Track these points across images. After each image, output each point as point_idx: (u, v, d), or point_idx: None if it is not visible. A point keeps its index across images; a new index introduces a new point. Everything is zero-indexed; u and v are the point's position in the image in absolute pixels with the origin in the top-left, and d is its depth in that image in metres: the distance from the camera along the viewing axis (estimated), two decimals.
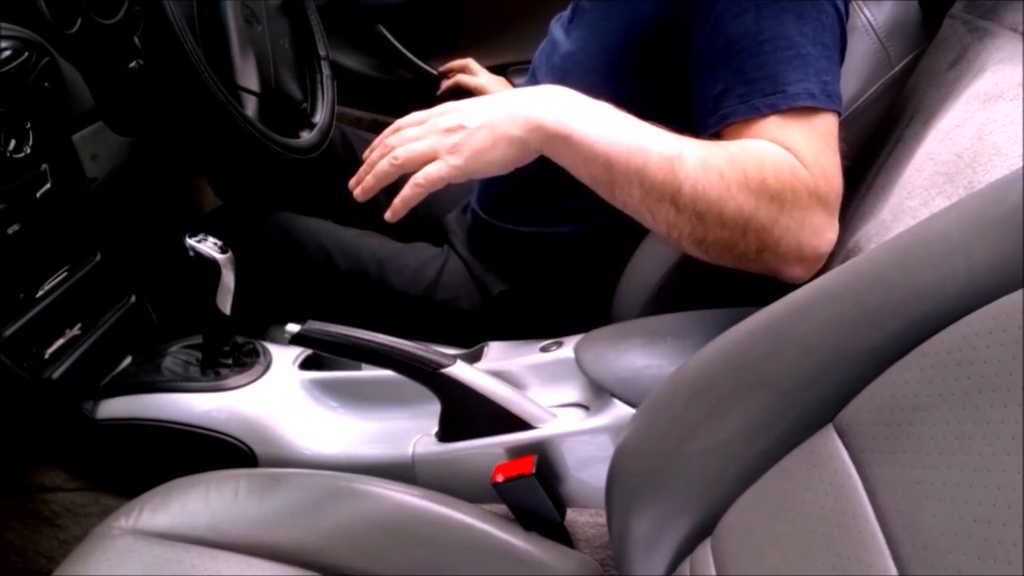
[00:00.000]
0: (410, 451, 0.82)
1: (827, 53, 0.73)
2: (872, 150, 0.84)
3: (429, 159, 0.74)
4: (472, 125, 0.74)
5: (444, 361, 0.77)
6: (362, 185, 0.78)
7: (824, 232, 0.70)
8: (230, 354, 0.92)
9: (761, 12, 0.73)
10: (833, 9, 0.74)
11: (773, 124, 0.71)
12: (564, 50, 0.93)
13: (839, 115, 0.74)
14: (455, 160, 0.73)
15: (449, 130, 0.74)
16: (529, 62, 1.05)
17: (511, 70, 1.47)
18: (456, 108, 0.76)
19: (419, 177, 0.74)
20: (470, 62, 1.43)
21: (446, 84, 1.44)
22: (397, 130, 0.79)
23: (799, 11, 0.73)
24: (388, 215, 0.77)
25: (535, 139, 0.72)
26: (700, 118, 0.77)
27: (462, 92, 1.43)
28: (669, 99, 0.83)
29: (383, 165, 0.76)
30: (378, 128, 1.52)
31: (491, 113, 0.74)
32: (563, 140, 0.71)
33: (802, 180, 0.69)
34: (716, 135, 0.76)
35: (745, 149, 0.70)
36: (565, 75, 0.92)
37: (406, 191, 0.74)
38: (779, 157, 0.70)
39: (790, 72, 0.71)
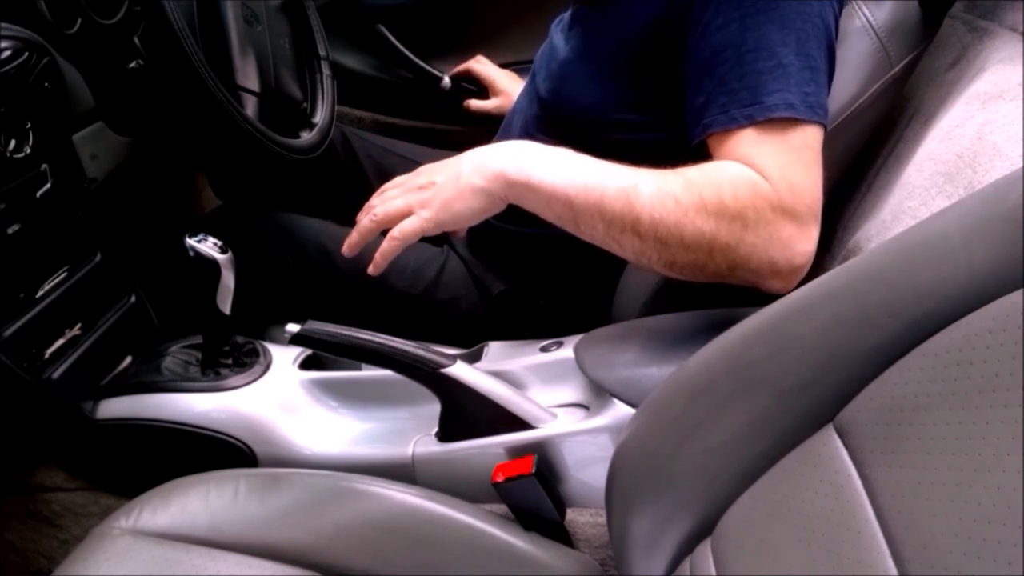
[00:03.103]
0: (410, 451, 0.82)
1: (811, 64, 0.73)
2: (872, 150, 0.84)
3: (405, 215, 0.80)
4: (440, 180, 0.79)
5: (444, 361, 0.77)
6: (348, 241, 0.84)
7: (795, 244, 0.71)
8: (230, 354, 0.92)
9: (745, 23, 0.73)
10: (820, 20, 0.74)
11: (748, 136, 0.72)
12: (562, 57, 0.93)
13: (824, 127, 0.74)
14: (427, 213, 0.78)
15: (422, 187, 0.80)
16: (530, 62, 1.05)
17: (512, 70, 1.47)
18: (429, 168, 0.82)
19: (395, 231, 0.80)
20: (480, 58, 1.43)
21: (456, 70, 1.44)
22: (382, 193, 0.85)
23: (783, 21, 0.73)
24: (371, 270, 0.82)
25: (498, 188, 0.76)
26: (688, 128, 0.78)
27: (469, 92, 1.43)
28: (663, 108, 0.84)
29: (365, 222, 0.82)
30: (378, 128, 1.53)
31: (457, 168, 0.79)
32: (523, 185, 0.75)
33: (763, 196, 0.70)
34: (702, 144, 0.76)
35: (703, 172, 0.72)
36: (562, 82, 0.92)
37: (384, 245, 0.80)
38: (738, 176, 0.71)
39: (770, 83, 0.72)
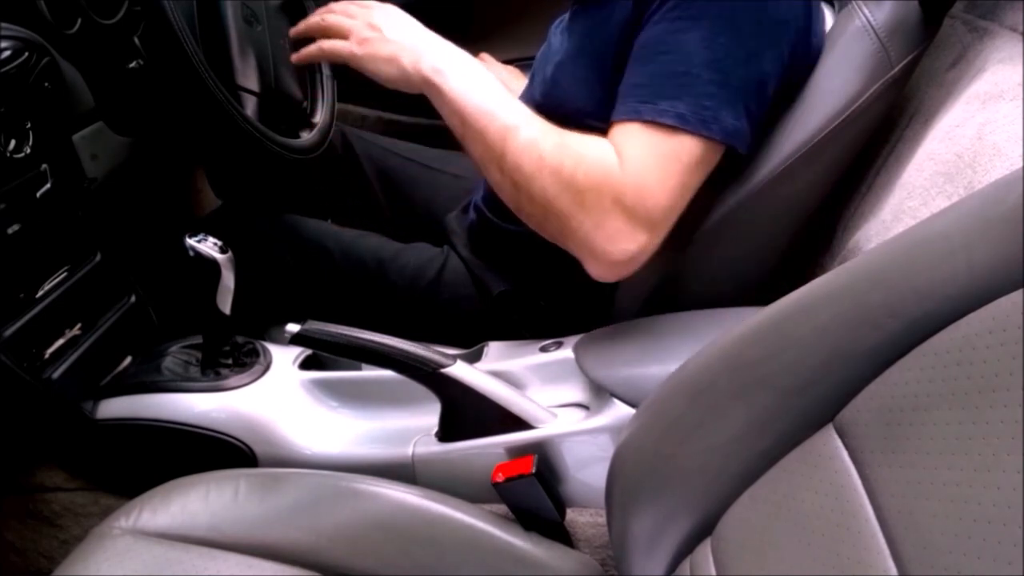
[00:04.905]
0: (410, 451, 0.82)
1: (726, 81, 0.74)
2: (872, 150, 0.84)
3: (344, 36, 0.88)
4: (387, 36, 0.86)
5: (444, 361, 0.77)
6: (295, 28, 0.97)
7: (620, 240, 0.74)
8: (230, 354, 0.92)
9: (673, 25, 0.75)
10: (770, 45, 0.75)
11: (631, 129, 0.75)
12: (555, 59, 0.94)
13: (722, 145, 0.75)
14: (357, 50, 0.87)
15: (372, 26, 0.87)
16: (530, 58, 1.06)
17: (515, 66, 1.47)
18: (390, 14, 0.89)
19: (325, 43, 0.90)
20: (484, 56, 1.43)
21: None
22: (348, 6, 0.92)
23: (714, 34, 0.74)
24: (294, 57, 0.95)
25: (416, 79, 0.84)
26: None
27: None
28: None
29: (315, 18, 0.93)
30: (384, 126, 1.52)
31: (405, 37, 0.86)
32: (435, 89, 0.83)
33: (611, 185, 0.74)
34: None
35: (579, 143, 0.77)
36: (554, 85, 0.92)
37: (311, 48, 0.92)
38: (601, 159, 0.75)
39: (668, 88, 0.74)
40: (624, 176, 0.74)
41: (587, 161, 0.75)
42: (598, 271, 0.78)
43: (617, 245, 0.75)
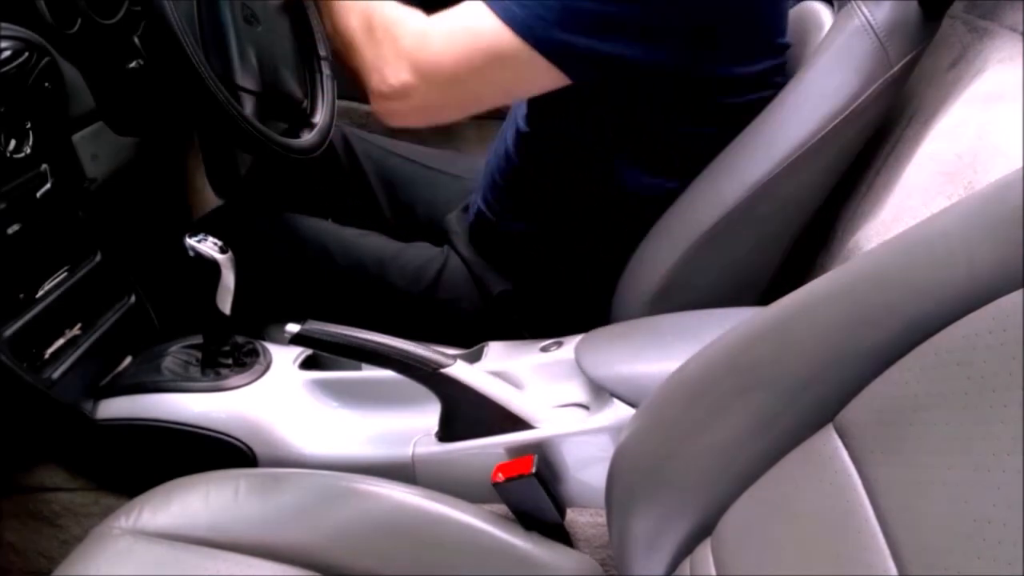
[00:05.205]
0: (410, 451, 0.82)
1: (568, 4, 0.78)
2: (872, 150, 0.84)
3: None
4: None
5: (444, 361, 0.77)
6: None
7: (387, 71, 0.86)
8: (230, 354, 0.91)
9: None
10: (638, 6, 0.78)
11: (472, 5, 0.83)
12: None
13: (539, 55, 0.80)
14: None
15: None
16: None
17: None
18: None
19: None
20: None
21: None
22: None
23: None
24: None
25: None
26: None
27: None
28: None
29: None
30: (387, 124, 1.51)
31: None
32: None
33: (397, 29, 0.86)
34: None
35: (402, 4, 0.89)
36: None
37: None
38: (404, 14, 0.88)
39: None
40: (416, 26, 0.85)
41: (389, 13, 0.88)
42: (373, 102, 0.90)
43: (383, 75, 0.86)
